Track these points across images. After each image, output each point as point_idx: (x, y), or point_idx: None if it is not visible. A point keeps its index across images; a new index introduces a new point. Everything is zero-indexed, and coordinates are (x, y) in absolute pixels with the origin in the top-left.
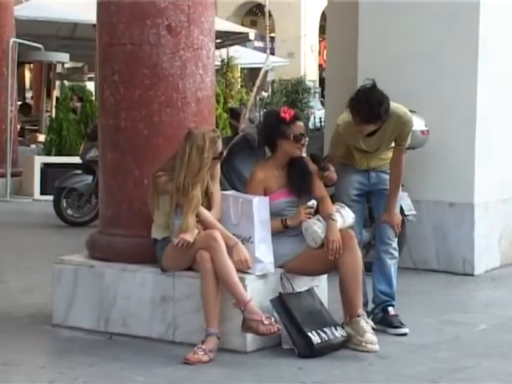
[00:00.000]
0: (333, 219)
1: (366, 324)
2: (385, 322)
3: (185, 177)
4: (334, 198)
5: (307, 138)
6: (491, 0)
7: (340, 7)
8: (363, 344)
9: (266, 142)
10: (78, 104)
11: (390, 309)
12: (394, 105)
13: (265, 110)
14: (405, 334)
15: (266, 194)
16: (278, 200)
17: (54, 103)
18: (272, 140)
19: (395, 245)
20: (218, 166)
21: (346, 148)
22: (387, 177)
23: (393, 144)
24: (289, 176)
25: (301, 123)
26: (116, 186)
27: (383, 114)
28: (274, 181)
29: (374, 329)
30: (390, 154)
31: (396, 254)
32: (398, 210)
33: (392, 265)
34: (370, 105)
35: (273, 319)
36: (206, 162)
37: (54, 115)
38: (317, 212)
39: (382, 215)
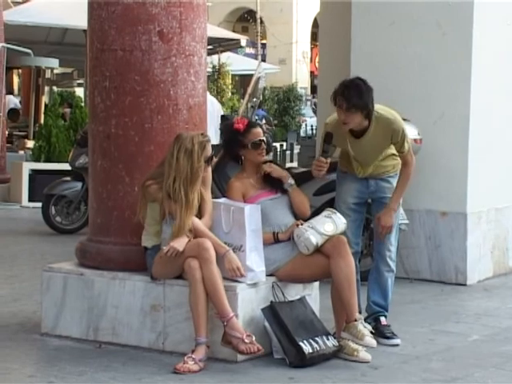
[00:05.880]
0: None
1: (364, 328)
2: (377, 332)
3: (174, 180)
4: (334, 206)
5: (267, 147)
6: (485, 8)
7: (332, 13)
8: (355, 354)
9: (230, 156)
10: (68, 110)
11: (382, 319)
12: (385, 110)
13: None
14: (396, 345)
15: (244, 200)
16: (257, 201)
17: (43, 109)
18: (235, 153)
19: (394, 257)
20: (210, 172)
21: (343, 154)
22: (387, 185)
23: (389, 151)
24: (265, 179)
25: (257, 130)
26: (106, 194)
27: (357, 98)
28: (250, 187)
29: (372, 333)
30: (389, 162)
31: (393, 266)
32: (394, 216)
33: (389, 277)
34: (346, 87)
35: (253, 338)
36: (196, 166)
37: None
38: (308, 219)
39: (377, 214)
